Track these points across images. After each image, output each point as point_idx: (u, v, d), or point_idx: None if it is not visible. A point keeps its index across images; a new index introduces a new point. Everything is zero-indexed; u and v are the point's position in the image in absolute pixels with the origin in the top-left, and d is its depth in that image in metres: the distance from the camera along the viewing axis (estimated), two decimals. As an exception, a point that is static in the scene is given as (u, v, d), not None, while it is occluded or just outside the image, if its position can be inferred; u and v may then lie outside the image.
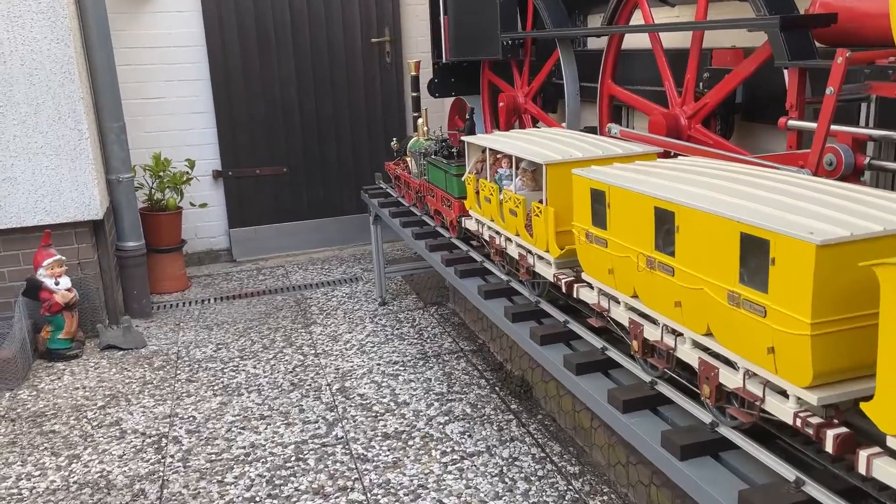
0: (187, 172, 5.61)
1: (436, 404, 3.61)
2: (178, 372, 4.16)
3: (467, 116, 4.05)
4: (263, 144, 6.18)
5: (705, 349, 1.69)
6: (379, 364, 4.12)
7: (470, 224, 3.16)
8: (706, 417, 1.78)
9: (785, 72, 2.26)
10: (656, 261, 1.75)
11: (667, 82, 2.83)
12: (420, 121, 4.52)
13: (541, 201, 2.42)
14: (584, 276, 2.16)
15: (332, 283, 5.63)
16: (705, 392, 1.68)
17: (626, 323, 1.97)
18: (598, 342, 2.26)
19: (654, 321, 1.85)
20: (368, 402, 3.69)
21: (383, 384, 3.87)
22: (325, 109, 6.25)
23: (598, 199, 1.98)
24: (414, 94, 4.76)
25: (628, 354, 2.09)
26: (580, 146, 2.46)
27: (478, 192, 2.98)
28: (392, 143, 4.77)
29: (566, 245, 2.31)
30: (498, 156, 2.84)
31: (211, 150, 6.11)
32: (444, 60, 4.81)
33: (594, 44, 4.05)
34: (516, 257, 2.67)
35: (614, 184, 1.90)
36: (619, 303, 2.00)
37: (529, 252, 2.54)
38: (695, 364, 1.71)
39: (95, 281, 4.59)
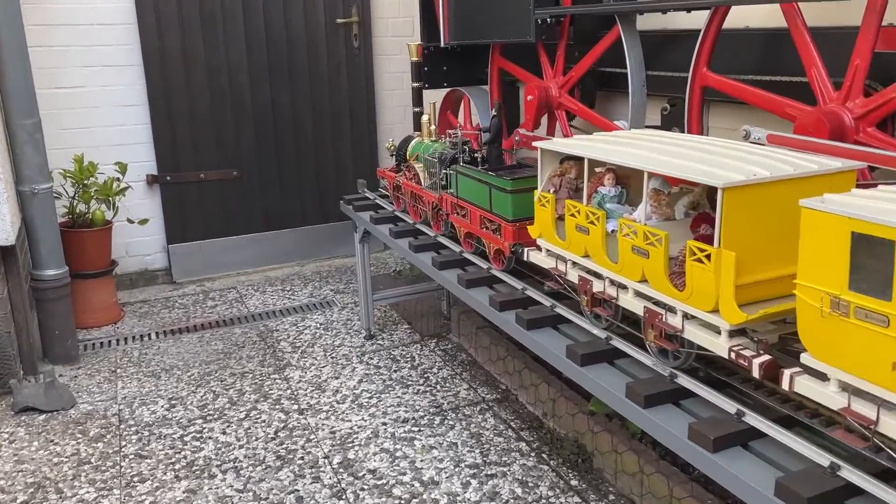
0: (118, 179, 4.60)
1: (473, 483, 2.84)
2: (124, 443, 3.23)
3: (494, 113, 3.25)
4: (209, 143, 5.22)
5: None
6: (385, 423, 3.30)
7: (538, 258, 2.39)
8: None
9: None
10: None
11: (813, 70, 2.13)
12: (425, 118, 3.71)
13: (702, 237, 1.68)
14: (808, 359, 1.43)
15: (300, 310, 4.75)
16: None
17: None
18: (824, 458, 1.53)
19: None
20: (384, 481, 2.88)
21: (398, 453, 3.07)
22: (282, 102, 5.34)
23: (873, 251, 1.24)
24: (415, 84, 3.93)
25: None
26: (748, 159, 1.73)
27: (561, 218, 2.22)
28: (387, 145, 3.93)
29: (751, 302, 1.57)
30: (600, 169, 2.08)
31: (144, 151, 5.11)
32: (441, 44, 4.00)
33: (645, 24, 3.32)
34: (639, 312, 1.92)
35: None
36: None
37: (672, 310, 1.79)
38: None
39: (5, 323, 3.58)
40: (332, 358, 4.01)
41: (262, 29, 5.17)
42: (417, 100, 4.01)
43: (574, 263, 2.22)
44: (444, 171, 3.13)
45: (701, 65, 2.55)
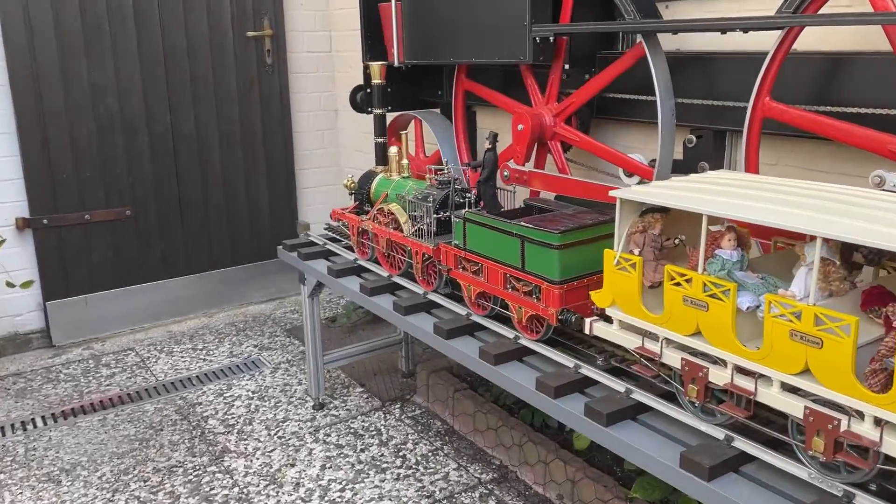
0: (-16, 227, 3.71)
1: None
2: (28, 591, 2.45)
3: (488, 146, 2.76)
4: (95, 178, 4.40)
5: None
6: (370, 525, 2.72)
7: (607, 331, 1.94)
8: None
9: None
10: None
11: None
12: (393, 151, 3.17)
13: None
14: None
15: (221, 375, 4.04)
16: None
17: None
18: None
19: None
20: None
21: (399, 568, 2.50)
22: (183, 127, 4.60)
23: None
24: (378, 110, 3.38)
25: None
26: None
27: (650, 286, 1.79)
28: (345, 182, 3.35)
29: None
30: (716, 227, 1.67)
31: (13, 189, 4.21)
32: (395, 63, 3.49)
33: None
34: (792, 412, 1.51)
35: None
36: None
37: (857, 415, 1.39)
38: None
39: None
40: (279, 438, 3.36)
41: (158, 43, 4.41)
42: (380, 128, 3.46)
43: (674, 343, 1.78)
44: (436, 216, 2.61)
45: (763, 93, 2.20)
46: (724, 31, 2.23)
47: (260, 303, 5.12)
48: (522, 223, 2.22)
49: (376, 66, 3.26)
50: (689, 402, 1.82)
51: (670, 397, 1.90)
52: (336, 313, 4.80)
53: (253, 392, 3.79)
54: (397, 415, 3.51)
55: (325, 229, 3.64)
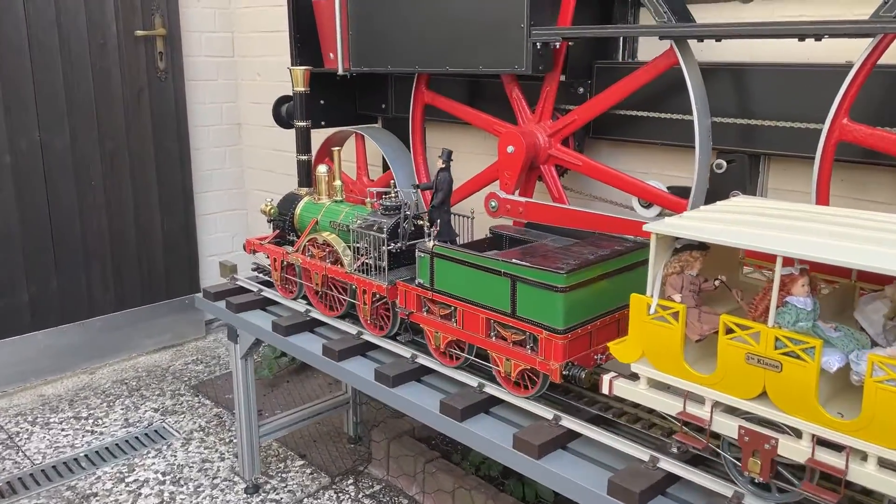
0: None
1: None
2: None
3: (442, 164, 2.31)
4: (-59, 209, 3.54)
5: None
6: None
7: (634, 392, 1.58)
8: None
9: None
10: None
11: None
12: (322, 170, 2.66)
13: None
14: None
15: (118, 452, 3.37)
16: None
17: None
18: None
19: None
20: None
21: None
22: (56, 145, 3.86)
23: None
24: (302, 123, 2.81)
25: None
26: None
27: (697, 340, 1.43)
28: (264, 206, 2.78)
29: None
30: (788, 270, 1.38)
31: None
32: (339, 71, 2.96)
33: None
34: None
35: None
36: None
37: None
38: None
39: None
40: (206, 535, 2.72)
41: (22, 41, 3.62)
42: (304, 144, 2.89)
43: (727, 408, 1.41)
44: (387, 247, 2.14)
45: (841, 114, 1.86)
46: (801, 38, 1.87)
47: (153, 352, 4.38)
48: (515, 260, 1.78)
49: (298, 72, 2.74)
50: (745, 477, 1.48)
51: (698, 460, 1.70)
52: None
53: (164, 474, 3.10)
54: (353, 493, 2.94)
55: (254, 269, 3.02)
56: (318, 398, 3.68)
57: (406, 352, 2.26)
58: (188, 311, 4.51)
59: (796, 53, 2.25)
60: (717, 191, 2.32)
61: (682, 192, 2.37)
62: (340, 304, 2.50)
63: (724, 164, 2.32)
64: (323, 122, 3.41)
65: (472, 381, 2.07)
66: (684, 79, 2.17)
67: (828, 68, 2.08)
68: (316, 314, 2.58)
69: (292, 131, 4.03)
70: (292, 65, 3.29)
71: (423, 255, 2.11)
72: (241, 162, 4.71)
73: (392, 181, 3.10)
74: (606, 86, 2.56)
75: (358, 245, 2.39)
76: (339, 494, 2.97)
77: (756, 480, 1.51)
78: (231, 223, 4.72)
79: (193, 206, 4.45)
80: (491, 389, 2.02)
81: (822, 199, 1.98)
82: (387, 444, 3.01)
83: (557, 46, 2.39)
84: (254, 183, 4.71)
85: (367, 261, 2.35)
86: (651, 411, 1.85)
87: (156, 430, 3.50)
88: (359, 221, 2.41)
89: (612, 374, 1.73)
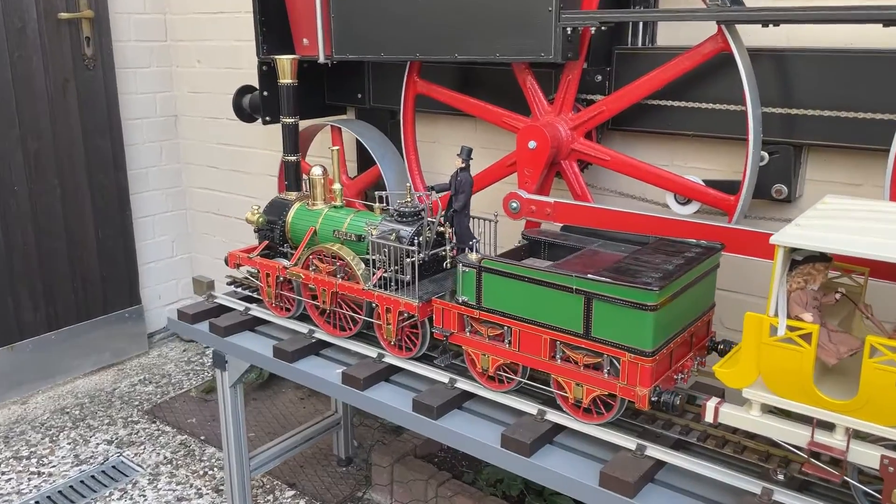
0: None
1: None
2: None
3: (461, 164, 2.09)
4: None
5: None
6: None
7: (747, 421, 1.48)
8: None
9: None
10: None
11: None
12: (317, 173, 2.39)
13: None
14: None
15: (75, 495, 3.01)
16: None
17: None
18: None
19: None
20: None
21: None
22: (-28, 147, 3.33)
23: None
24: (289, 119, 2.51)
25: None
26: None
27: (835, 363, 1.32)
28: (250, 214, 2.48)
29: None
30: None
31: None
32: (321, 58, 2.69)
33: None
34: None
35: None
36: None
37: None
38: None
39: None
40: (201, 589, 2.42)
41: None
42: (292, 143, 2.58)
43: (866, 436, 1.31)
44: (413, 259, 1.97)
45: (917, 101, 1.77)
46: (887, 24, 1.74)
47: (92, 374, 3.95)
48: (591, 276, 1.60)
49: (285, 62, 2.44)
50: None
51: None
52: (209, 380, 3.78)
53: (134, 518, 2.75)
54: (355, 523, 2.69)
55: (230, 283, 2.70)
56: (294, 417, 3.40)
57: (441, 376, 2.03)
58: (128, 324, 4.09)
59: (836, 39, 2.15)
60: (758, 184, 2.20)
61: (720, 186, 2.24)
62: (352, 323, 2.24)
63: (766, 156, 2.20)
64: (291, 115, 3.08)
65: (528, 407, 1.87)
66: (733, 65, 2.03)
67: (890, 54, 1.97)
68: (322, 335, 2.31)
69: (244, 124, 3.70)
70: (258, 53, 2.96)
71: (467, 269, 1.88)
72: (179, 158, 4.28)
73: (385, 181, 2.84)
74: (627, 73, 2.40)
75: (373, 257, 2.14)
76: (343, 527, 2.72)
77: (896, 513, 1.40)
78: (170, 226, 4.30)
79: (130, 210, 4.00)
80: (554, 416, 1.83)
81: (895, 193, 1.89)
82: (390, 467, 2.77)
83: (593, 33, 2.19)
84: (194, 180, 4.29)
85: (386, 275, 2.10)
86: (735, 432, 1.71)
87: (114, 467, 3.12)
88: (375, 231, 2.15)
89: (716, 400, 1.58)
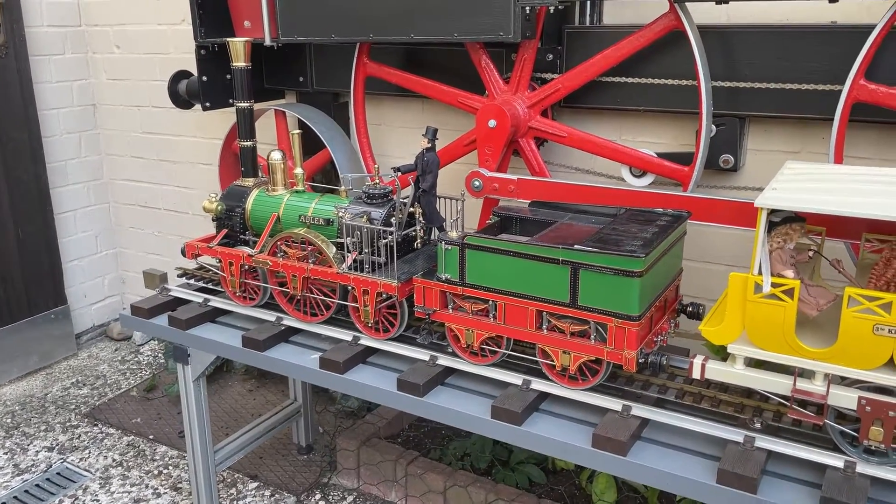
0: None
1: None
2: None
3: (427, 143, 2.11)
4: None
5: None
6: None
7: (732, 374, 1.64)
8: None
9: None
10: None
11: None
12: (277, 157, 2.36)
13: None
14: None
15: None
16: None
17: None
18: None
19: None
20: None
21: None
22: None
23: None
24: (244, 104, 2.45)
25: None
26: None
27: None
28: (208, 203, 2.42)
29: None
30: None
31: None
32: (266, 41, 2.65)
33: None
34: None
35: None
36: None
37: None
38: None
39: None
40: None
41: None
42: (248, 129, 2.52)
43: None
44: (388, 239, 2.01)
45: (860, 74, 1.91)
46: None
47: (18, 380, 3.74)
48: (578, 246, 1.69)
49: (239, 45, 2.38)
50: (859, 447, 1.56)
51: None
52: (149, 377, 3.65)
53: (90, 524, 2.65)
54: (323, 508, 2.69)
55: (181, 275, 2.62)
56: (246, 409, 3.34)
57: (422, 355, 2.05)
58: (54, 325, 3.88)
59: (773, 15, 2.28)
60: (707, 155, 2.32)
61: (672, 158, 2.35)
62: (324, 308, 2.22)
63: (714, 128, 2.32)
64: (232, 101, 3.00)
65: (513, 378, 1.91)
66: (682, 42, 2.14)
67: (846, 29, 2.09)
68: (291, 322, 2.28)
69: (171, 112, 3.57)
70: (196, 37, 2.86)
71: (450, 246, 1.90)
72: (100, 149, 4.08)
73: (337, 164, 2.81)
74: (578, 51, 2.47)
75: (346, 240, 2.13)
76: (312, 513, 2.70)
77: (872, 448, 1.53)
78: (94, 221, 4.10)
79: (51, 206, 3.79)
80: (539, 385, 1.89)
81: (838, 158, 2.04)
82: (356, 450, 2.77)
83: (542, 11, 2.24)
84: (117, 172, 4.10)
85: (359, 258, 2.10)
86: (709, 387, 1.82)
87: (59, 474, 2.97)
88: (346, 214, 2.13)
89: (702, 357, 1.67)
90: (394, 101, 3.00)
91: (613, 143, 2.35)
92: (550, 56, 2.50)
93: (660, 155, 2.34)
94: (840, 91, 2.00)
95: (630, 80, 2.41)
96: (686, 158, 2.27)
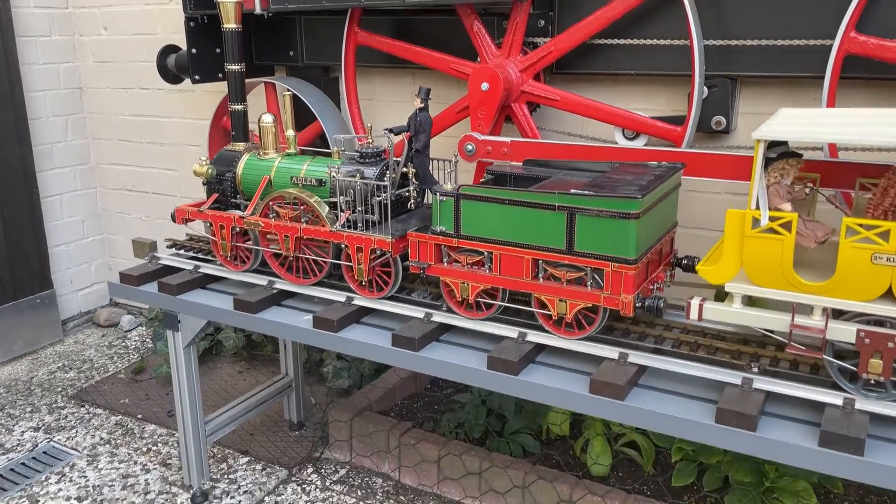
0: None
1: None
2: None
3: (420, 103, 2.10)
4: None
5: None
6: None
7: (729, 314, 1.68)
8: None
9: None
10: None
11: None
12: (268, 120, 2.35)
13: None
14: None
15: (8, 484, 2.82)
16: None
17: None
18: None
19: None
20: None
21: None
22: None
23: None
24: (234, 67, 2.43)
25: None
26: None
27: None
28: (198, 167, 2.39)
29: None
30: None
31: None
32: (257, 9, 2.63)
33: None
34: None
35: None
36: None
37: None
38: None
39: None
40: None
41: None
42: (238, 92, 2.50)
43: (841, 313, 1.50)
44: (383, 196, 2.01)
45: (850, 27, 1.92)
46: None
47: (3, 365, 3.69)
48: (574, 190, 1.71)
49: (229, 6, 2.36)
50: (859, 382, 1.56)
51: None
52: (137, 360, 3.61)
53: (79, 500, 2.60)
54: (318, 483, 2.66)
55: (171, 246, 2.59)
56: (236, 390, 3.30)
57: (416, 312, 2.04)
58: (39, 311, 3.83)
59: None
60: (700, 117, 2.32)
61: (666, 121, 2.35)
62: (316, 269, 2.20)
63: (706, 89, 2.33)
64: (221, 75, 2.98)
65: (509, 331, 1.90)
66: (673, 1, 2.15)
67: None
68: (284, 285, 2.25)
69: (159, 93, 3.55)
70: (185, 9, 2.84)
71: (444, 198, 1.89)
72: (87, 132, 4.04)
73: (328, 134, 2.79)
74: (569, 16, 2.47)
75: (339, 199, 2.11)
76: (304, 486, 2.66)
77: (873, 382, 1.53)
78: (80, 206, 4.05)
79: (38, 189, 3.75)
80: (535, 337, 1.88)
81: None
82: (349, 423, 2.74)
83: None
84: (104, 156, 4.06)
85: (352, 216, 2.09)
86: (705, 336, 1.81)
87: (45, 452, 2.92)
88: (338, 173, 2.12)
89: (699, 298, 1.66)
90: (384, 74, 3.00)
91: (607, 105, 2.35)
92: (542, 22, 2.50)
93: (653, 118, 2.35)
94: (831, 46, 2.01)
95: (622, 41, 2.41)
96: (679, 121, 2.28)
